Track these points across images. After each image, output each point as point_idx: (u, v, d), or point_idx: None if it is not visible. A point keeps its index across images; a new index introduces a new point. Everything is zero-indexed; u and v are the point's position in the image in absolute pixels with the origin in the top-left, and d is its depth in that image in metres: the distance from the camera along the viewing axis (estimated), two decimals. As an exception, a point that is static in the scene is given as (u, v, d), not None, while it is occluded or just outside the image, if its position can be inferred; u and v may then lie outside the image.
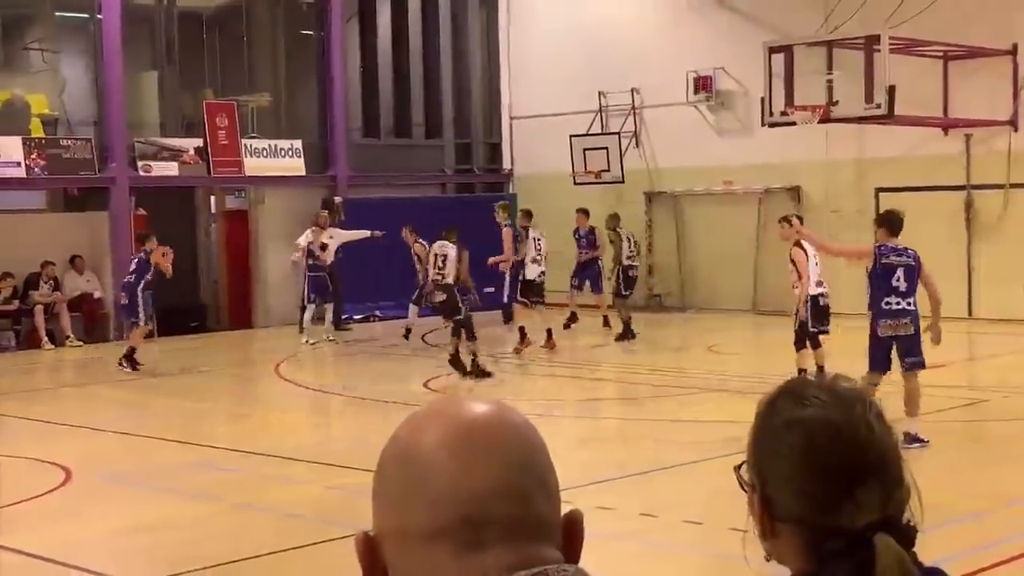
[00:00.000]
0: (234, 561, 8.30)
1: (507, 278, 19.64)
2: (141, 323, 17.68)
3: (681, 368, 17.23)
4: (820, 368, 13.12)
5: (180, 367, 18.30)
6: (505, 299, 19.81)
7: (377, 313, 23.35)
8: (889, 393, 10.09)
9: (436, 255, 16.67)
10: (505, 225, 19.10)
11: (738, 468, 1.79)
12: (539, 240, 19.31)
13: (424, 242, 18.92)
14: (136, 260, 17.81)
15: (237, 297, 24.00)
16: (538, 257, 19.19)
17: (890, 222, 11.04)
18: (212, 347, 21.58)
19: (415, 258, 19.69)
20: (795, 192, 22.90)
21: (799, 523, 1.68)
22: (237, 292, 23.98)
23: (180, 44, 23.29)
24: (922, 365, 10.90)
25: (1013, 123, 20.48)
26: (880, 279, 10.82)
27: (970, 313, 20.87)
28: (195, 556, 8.38)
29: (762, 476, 1.72)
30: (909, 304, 10.84)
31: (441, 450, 1.34)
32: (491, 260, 19.23)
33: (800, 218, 14.75)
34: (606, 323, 20.44)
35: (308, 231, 21.04)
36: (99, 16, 21.77)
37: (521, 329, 18.61)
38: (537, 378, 17.10)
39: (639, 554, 8.25)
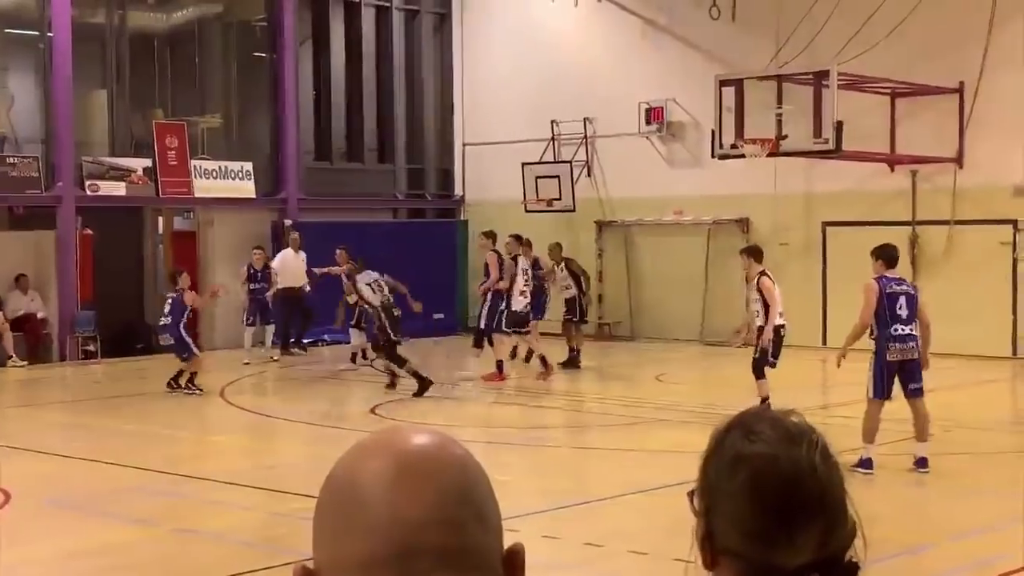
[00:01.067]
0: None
1: (486, 305, 18.73)
2: (197, 354, 17.68)
3: (628, 397, 17.25)
4: (763, 400, 13.45)
5: (124, 389, 18.09)
6: (482, 325, 19.14)
7: (325, 338, 23.21)
8: (830, 424, 10.15)
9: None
10: (491, 251, 18.69)
11: (691, 494, 1.79)
12: (527, 271, 18.56)
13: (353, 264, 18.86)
14: (171, 301, 17.60)
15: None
16: (525, 288, 18.43)
17: (887, 255, 11.66)
18: (157, 369, 21.31)
19: (344, 279, 19.37)
20: (744, 224, 23.07)
21: (737, 557, 1.68)
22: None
23: (131, 63, 23.14)
24: (923, 391, 11.48)
25: (958, 160, 20.74)
26: (886, 308, 11.29)
27: (914, 347, 21.00)
28: None
29: (707, 506, 1.73)
30: (912, 330, 11.38)
31: (377, 480, 1.34)
32: (480, 287, 18.86)
33: (758, 251, 14.86)
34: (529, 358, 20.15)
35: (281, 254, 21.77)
36: (49, 34, 21.59)
37: (499, 363, 18.26)
38: (483, 406, 17.05)
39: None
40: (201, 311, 17.70)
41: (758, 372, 14.11)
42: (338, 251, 19.78)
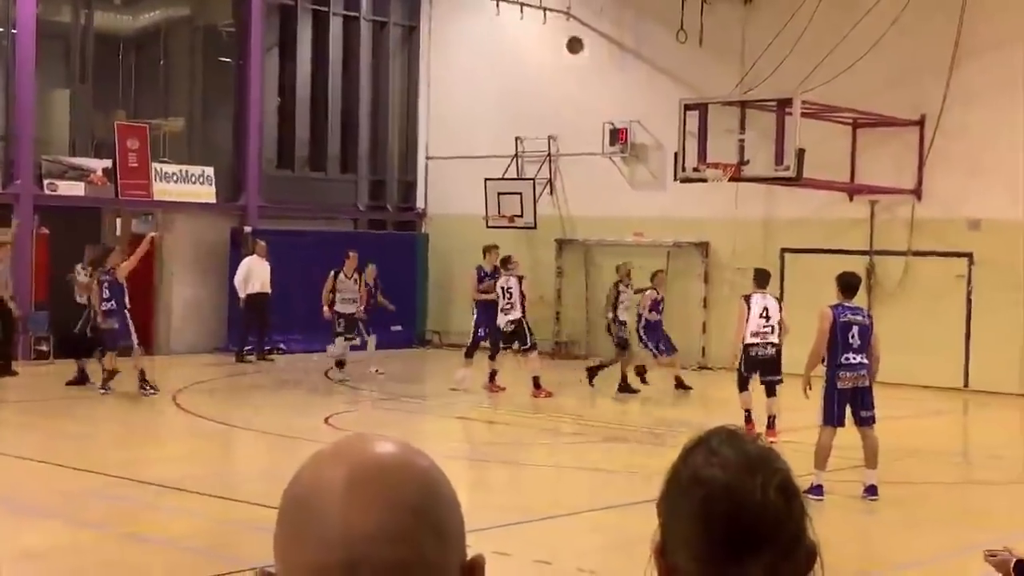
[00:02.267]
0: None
1: (474, 316, 19.09)
2: (136, 346, 17.47)
3: (582, 415, 17.27)
4: (748, 413, 14.60)
5: (76, 391, 17.91)
6: (471, 337, 19.27)
7: (281, 346, 23.12)
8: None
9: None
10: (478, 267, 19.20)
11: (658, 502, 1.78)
12: (509, 289, 18.47)
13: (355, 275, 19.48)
14: (106, 284, 17.32)
15: (139, 323, 23.50)
16: (507, 306, 18.45)
17: (844, 283, 11.84)
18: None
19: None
20: (703, 248, 23.19)
21: None
22: (139, 318, 23.48)
23: (95, 64, 22.98)
24: (875, 419, 11.59)
25: (917, 193, 20.94)
26: (839, 336, 11.44)
27: (867, 375, 21.17)
28: None
29: (663, 526, 1.71)
30: (863, 359, 11.54)
31: (331, 490, 1.32)
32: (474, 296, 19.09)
33: (756, 274, 15.92)
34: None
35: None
36: (13, 31, 21.41)
37: (492, 373, 18.70)
38: (437, 420, 17.02)
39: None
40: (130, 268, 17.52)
41: (740, 386, 14.97)
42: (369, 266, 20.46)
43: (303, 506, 1.33)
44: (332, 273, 19.80)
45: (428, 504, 1.34)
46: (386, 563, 1.30)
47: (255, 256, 22.14)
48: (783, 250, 22.09)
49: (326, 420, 15.65)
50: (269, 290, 22.01)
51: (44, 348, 21.10)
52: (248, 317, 22.02)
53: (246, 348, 22.17)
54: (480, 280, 19.11)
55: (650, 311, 18.92)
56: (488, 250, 19.52)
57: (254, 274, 21.94)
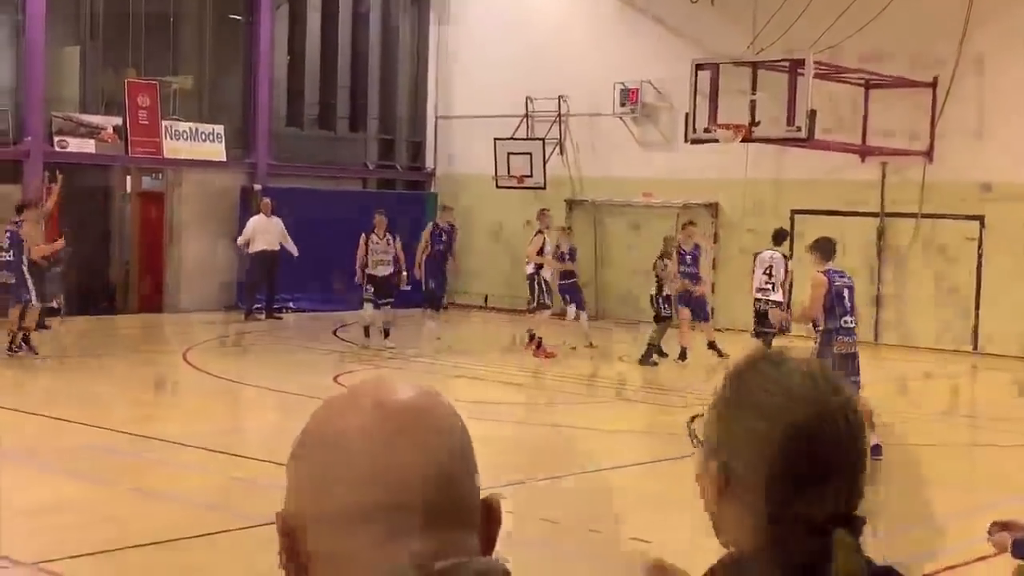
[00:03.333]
0: (123, 548, 8.15)
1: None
2: (34, 301, 16.42)
3: (588, 376, 17.28)
4: None
5: (84, 348, 17.98)
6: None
7: (290, 304, 23.16)
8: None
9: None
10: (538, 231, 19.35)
11: (691, 421, 1.73)
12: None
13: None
14: (9, 234, 16.40)
15: (148, 281, 23.65)
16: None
17: (823, 248, 11.70)
18: (119, 329, 21.24)
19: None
20: (713, 208, 23.13)
21: (756, 502, 1.63)
22: (148, 275, 23.63)
23: (105, 20, 22.88)
24: (861, 385, 11.31)
25: (929, 155, 20.83)
26: (835, 301, 11.37)
27: (876, 338, 21.21)
28: (86, 540, 8.21)
29: (724, 447, 1.66)
30: (855, 321, 11.58)
31: (369, 431, 1.30)
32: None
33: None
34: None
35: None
36: (23, -12, 21.33)
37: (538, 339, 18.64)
38: (444, 379, 17.05)
39: (536, 560, 8.26)
40: (37, 261, 16.51)
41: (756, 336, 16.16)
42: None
43: (337, 448, 1.31)
44: (363, 236, 19.12)
45: (463, 445, 1.35)
46: (430, 503, 1.30)
47: (260, 215, 22.11)
48: (793, 211, 22.01)
49: (335, 378, 15.69)
50: (278, 247, 21.95)
51: (55, 305, 21.08)
52: (256, 275, 22.03)
53: (255, 306, 22.21)
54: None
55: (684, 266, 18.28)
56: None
57: (259, 232, 21.90)
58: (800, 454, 1.62)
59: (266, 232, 21.95)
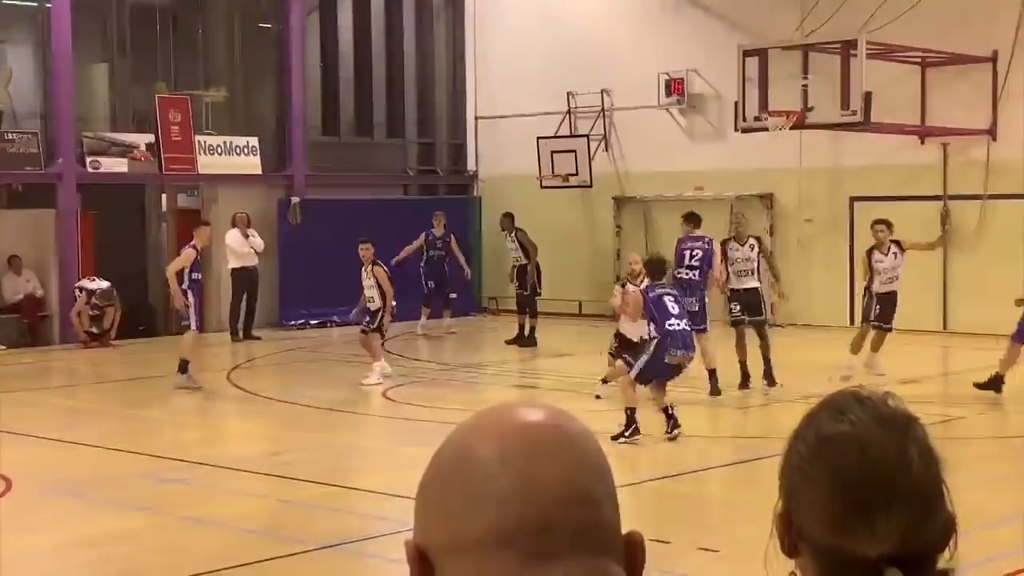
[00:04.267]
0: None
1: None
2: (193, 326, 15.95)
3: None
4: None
5: (127, 373, 17.54)
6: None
7: (335, 319, 22.54)
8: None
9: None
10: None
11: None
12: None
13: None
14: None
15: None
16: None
17: (652, 268, 12.67)
18: (161, 352, 20.67)
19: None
20: (768, 200, 22.41)
21: (816, 543, 1.61)
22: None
23: (132, 35, 22.46)
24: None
25: (991, 132, 20.06)
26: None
27: (945, 326, 20.43)
28: (139, 570, 8.01)
29: (788, 490, 1.65)
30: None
31: (503, 455, 1.29)
32: None
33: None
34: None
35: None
36: (48, 4, 20.90)
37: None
38: (435, 387, 16.47)
39: None
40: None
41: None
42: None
43: (468, 476, 1.29)
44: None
45: (598, 464, 1.33)
46: (575, 525, 1.28)
47: (235, 230, 21.24)
48: (852, 199, 21.30)
49: (384, 394, 15.10)
50: (255, 263, 21.26)
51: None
52: (235, 294, 21.24)
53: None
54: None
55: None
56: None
57: (232, 249, 21.16)
58: (846, 485, 1.59)
59: (237, 249, 21.17)
